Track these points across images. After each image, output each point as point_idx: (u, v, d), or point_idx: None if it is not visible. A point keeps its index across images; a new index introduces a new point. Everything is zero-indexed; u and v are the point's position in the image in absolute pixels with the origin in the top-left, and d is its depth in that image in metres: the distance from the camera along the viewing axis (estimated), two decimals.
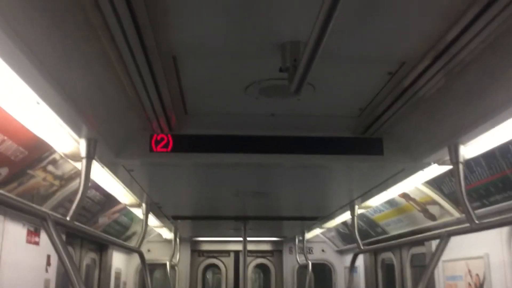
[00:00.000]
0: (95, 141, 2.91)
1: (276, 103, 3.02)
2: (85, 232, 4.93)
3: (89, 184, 3.02)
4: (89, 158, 2.90)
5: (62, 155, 3.48)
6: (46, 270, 4.85)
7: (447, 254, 3.27)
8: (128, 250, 8.22)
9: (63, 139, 3.02)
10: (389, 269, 7.51)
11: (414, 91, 2.72)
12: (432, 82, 2.59)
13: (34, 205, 2.54)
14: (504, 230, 4.07)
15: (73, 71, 2.26)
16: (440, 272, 5.25)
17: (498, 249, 4.20)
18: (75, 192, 2.92)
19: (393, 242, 5.35)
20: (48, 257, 4.87)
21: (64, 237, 4.93)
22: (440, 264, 4.99)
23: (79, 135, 2.87)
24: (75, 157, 3.26)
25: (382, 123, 3.25)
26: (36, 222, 3.76)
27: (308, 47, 1.95)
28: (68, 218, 2.74)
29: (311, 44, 1.91)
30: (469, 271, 4.75)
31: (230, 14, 2.07)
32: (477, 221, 2.91)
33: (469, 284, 4.73)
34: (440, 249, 3.23)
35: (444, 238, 3.22)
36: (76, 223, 2.91)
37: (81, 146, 2.91)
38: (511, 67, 2.29)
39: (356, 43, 2.31)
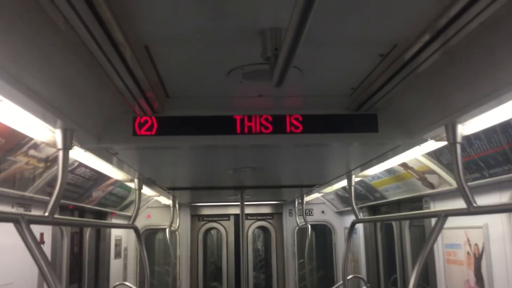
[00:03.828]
0: (71, 130, 2.76)
1: (262, 85, 2.83)
2: (68, 223, 4.82)
3: (68, 175, 2.88)
4: (66, 149, 2.75)
5: (41, 143, 3.34)
6: None
7: (446, 222, 3.22)
8: (127, 217, 8.20)
9: (39, 130, 2.86)
10: (388, 227, 7.47)
11: (408, 71, 2.54)
12: (427, 63, 2.41)
13: (3, 211, 2.40)
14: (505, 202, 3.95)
15: (35, 68, 2.10)
16: (439, 240, 5.19)
17: (498, 220, 4.10)
18: None
19: (391, 215, 5.28)
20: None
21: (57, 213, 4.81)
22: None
23: (54, 126, 2.72)
24: (55, 145, 3.12)
25: (376, 101, 3.08)
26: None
27: (288, 36, 1.74)
28: (46, 214, 2.61)
29: (291, 32, 1.69)
30: (468, 240, 4.67)
31: (201, 2, 1.87)
32: (475, 204, 2.80)
33: (468, 253, 4.67)
34: (438, 228, 3.17)
35: (441, 218, 3.15)
36: (57, 216, 2.79)
37: (57, 137, 2.75)
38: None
39: (344, 27, 2.10)
